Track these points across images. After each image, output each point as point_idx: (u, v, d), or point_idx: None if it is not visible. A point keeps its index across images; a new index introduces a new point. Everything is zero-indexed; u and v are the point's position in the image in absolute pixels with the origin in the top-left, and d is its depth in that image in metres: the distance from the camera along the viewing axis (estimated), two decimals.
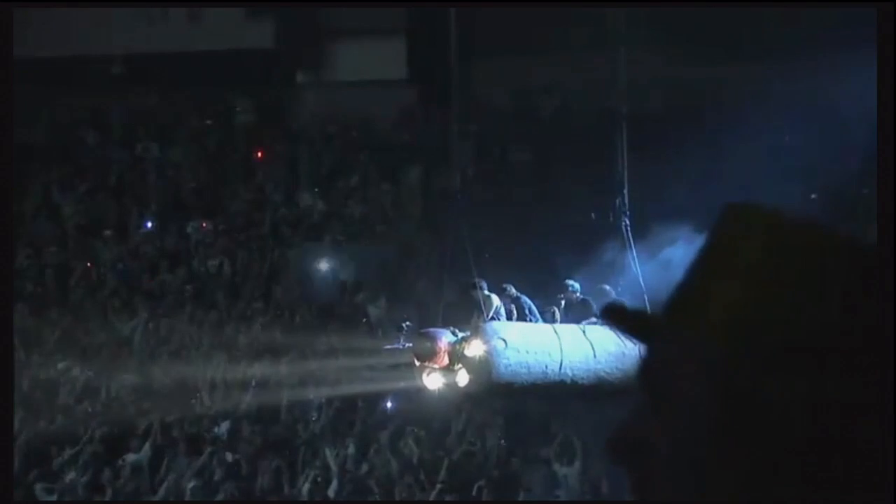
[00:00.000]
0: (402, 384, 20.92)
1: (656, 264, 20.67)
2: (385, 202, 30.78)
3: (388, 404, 23.47)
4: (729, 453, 2.00)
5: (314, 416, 23.74)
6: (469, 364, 18.95)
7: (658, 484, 2.04)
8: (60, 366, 25.71)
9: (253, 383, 24.54)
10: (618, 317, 2.10)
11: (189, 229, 30.49)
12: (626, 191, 20.84)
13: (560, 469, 21.97)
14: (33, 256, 29.80)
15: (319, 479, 22.19)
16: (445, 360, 19.37)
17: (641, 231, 21.39)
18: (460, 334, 19.41)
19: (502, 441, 23.03)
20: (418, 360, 20.21)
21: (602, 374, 18.91)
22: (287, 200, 31.20)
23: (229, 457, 22.90)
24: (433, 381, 19.77)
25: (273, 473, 22.43)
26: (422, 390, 20.10)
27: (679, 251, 22.17)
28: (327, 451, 22.91)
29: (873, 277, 2.08)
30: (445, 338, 19.67)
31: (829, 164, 28.55)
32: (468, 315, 20.19)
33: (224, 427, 23.90)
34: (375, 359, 22.63)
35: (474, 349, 18.87)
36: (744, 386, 2.00)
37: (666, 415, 2.04)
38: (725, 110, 27.82)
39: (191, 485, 22.24)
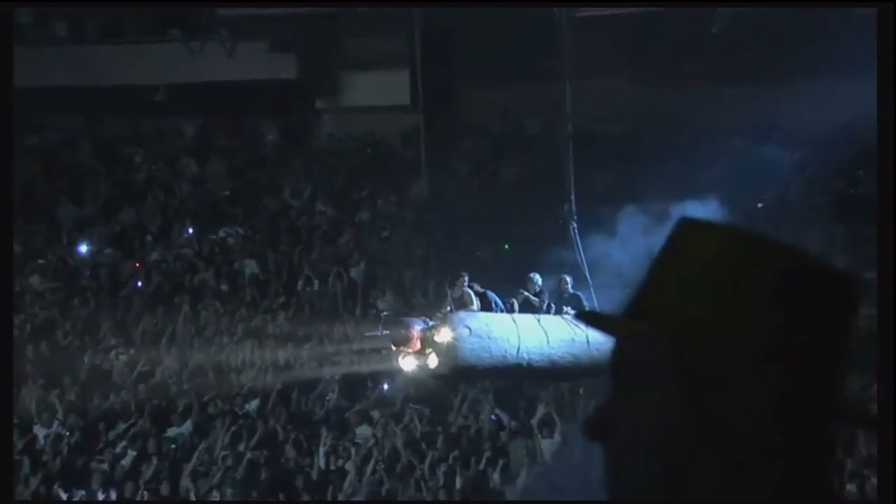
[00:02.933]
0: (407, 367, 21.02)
1: (601, 259, 20.90)
2: (391, 211, 30.81)
3: (386, 385, 23.48)
4: (683, 438, 2.03)
5: (329, 396, 23.75)
6: (438, 349, 19.20)
7: (623, 459, 2.07)
8: (114, 352, 25.74)
9: (279, 366, 24.56)
10: (590, 319, 2.12)
11: (222, 234, 30.54)
12: (572, 198, 20.84)
13: (542, 441, 21.96)
14: (88, 259, 29.85)
15: (338, 450, 22.19)
16: (418, 345, 19.60)
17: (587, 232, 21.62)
18: (431, 323, 19.61)
19: (493, 416, 23.03)
20: (394, 345, 20.48)
21: (555, 357, 19.16)
22: (307, 209, 31.20)
23: (258, 430, 22.91)
24: (407, 363, 20.04)
25: (295, 445, 22.43)
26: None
27: (618, 248, 22.41)
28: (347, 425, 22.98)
29: (815, 285, 2.07)
30: (418, 326, 19.91)
31: (776, 177, 28.61)
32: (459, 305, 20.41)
33: (254, 404, 23.90)
34: (383, 343, 22.72)
35: (443, 336, 19.10)
36: (695, 382, 2.02)
37: (629, 402, 2.06)
38: (674, 132, 27.81)
39: (224, 454, 22.25)
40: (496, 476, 21.18)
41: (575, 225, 20.41)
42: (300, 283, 27.86)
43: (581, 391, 22.48)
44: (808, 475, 2.07)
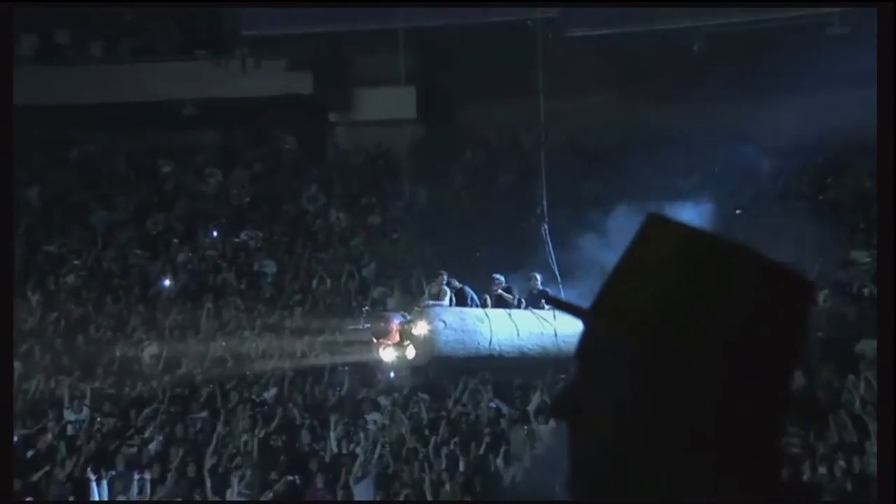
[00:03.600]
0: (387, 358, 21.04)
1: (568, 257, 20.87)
2: (398, 215, 30.76)
3: (392, 374, 23.42)
4: (640, 424, 2.02)
5: (339, 385, 23.67)
6: (416, 341, 19.38)
7: (585, 437, 2.07)
8: (143, 344, 25.69)
9: (295, 357, 24.48)
10: (559, 305, 2.16)
11: (244, 237, 30.52)
12: (544, 202, 20.80)
13: (538, 426, 21.85)
14: (120, 259, 29.83)
15: (348, 433, 22.10)
16: (397, 338, 19.69)
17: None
18: (409, 316, 19.61)
19: (492, 404, 22.94)
20: (375, 337, 20.64)
21: (524, 348, 19.38)
22: (321, 213, 31.19)
23: (276, 416, 22.82)
24: (387, 354, 20.17)
25: (310, 430, 22.35)
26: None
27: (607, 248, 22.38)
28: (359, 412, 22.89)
29: (767, 282, 2.04)
30: (397, 319, 20.08)
31: (752, 184, 28.53)
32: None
33: (272, 392, 23.85)
34: (364, 336, 22.75)
35: (420, 329, 19.26)
36: (651, 372, 2.01)
37: (592, 387, 2.06)
38: (659, 142, 27.69)
39: (244, 438, 22.17)
40: (498, 460, 21.05)
41: (546, 227, 20.26)
42: (315, 282, 27.82)
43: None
44: (758, 462, 2.05)
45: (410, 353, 19.38)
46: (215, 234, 30.86)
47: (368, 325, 21.88)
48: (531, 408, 22.25)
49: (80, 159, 33.58)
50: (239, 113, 32.48)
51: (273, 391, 23.80)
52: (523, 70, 26.33)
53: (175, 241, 30.51)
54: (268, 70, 31.74)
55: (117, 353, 25.31)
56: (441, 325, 18.88)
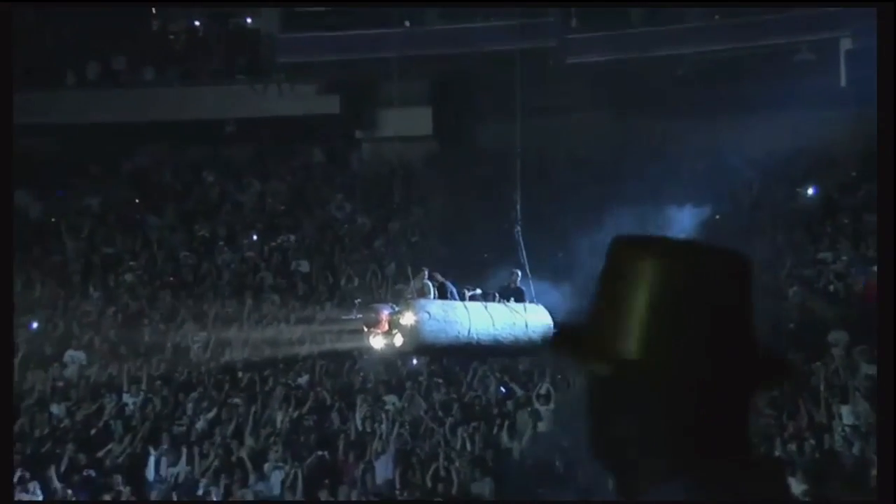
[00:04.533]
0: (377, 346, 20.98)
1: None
2: (416, 220, 30.71)
3: (415, 361, 23.38)
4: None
5: (361, 372, 23.59)
6: (403, 330, 19.21)
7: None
8: (191, 335, 25.66)
9: (325, 347, 24.41)
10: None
11: (280, 240, 30.51)
12: (518, 207, 20.74)
13: (541, 407, 21.78)
14: (171, 260, 29.84)
15: (372, 414, 22.03)
16: (386, 327, 19.60)
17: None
18: (396, 308, 19.66)
19: (502, 388, 22.89)
20: (366, 326, 20.37)
21: (499, 337, 19.35)
22: (348, 219, 31.16)
23: (308, 399, 22.76)
24: (377, 342, 20.01)
25: (339, 412, 22.27)
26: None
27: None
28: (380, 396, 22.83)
29: (748, 286, 2.02)
30: (386, 310, 19.90)
31: (729, 193, 28.43)
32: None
33: (304, 378, 23.79)
34: (357, 325, 22.76)
35: (406, 319, 19.13)
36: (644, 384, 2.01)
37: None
38: (646, 157, 27.59)
39: (279, 418, 22.12)
40: (504, 436, 20.99)
41: (519, 229, 20.25)
42: (343, 280, 27.76)
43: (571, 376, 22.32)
44: (738, 439, 2.04)
45: (398, 340, 19.44)
46: (254, 237, 30.84)
47: (360, 316, 21.96)
48: (535, 393, 22.22)
49: (134, 171, 33.60)
50: (274, 130, 32.57)
51: (305, 377, 23.72)
52: (521, 93, 26.34)
53: (221, 243, 30.48)
54: (300, 93, 31.75)
55: (168, 343, 25.25)
56: (426, 315, 18.94)
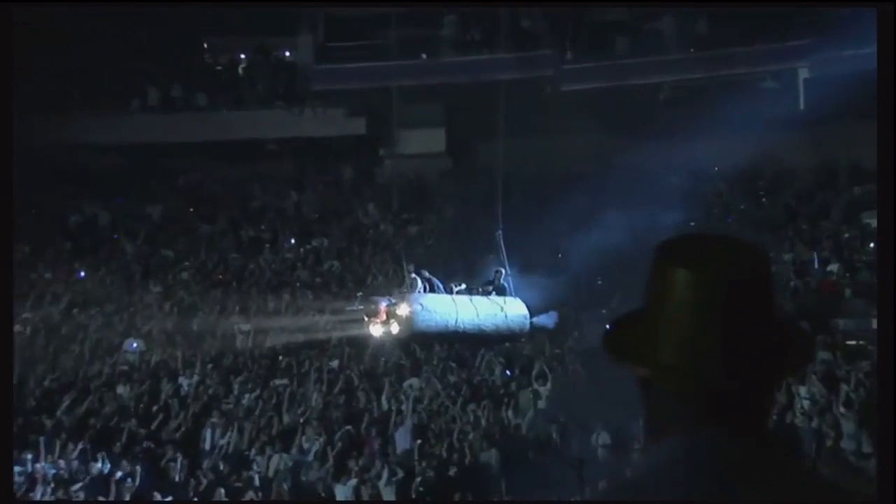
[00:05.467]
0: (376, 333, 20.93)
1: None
2: (431, 227, 30.74)
3: (437, 347, 23.35)
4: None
5: (386, 356, 23.61)
6: (399, 319, 19.51)
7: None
8: (238, 326, 25.71)
9: (353, 335, 24.43)
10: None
11: (315, 243, 30.57)
12: (499, 216, 20.74)
13: (539, 387, 21.78)
14: (221, 261, 29.91)
15: (394, 394, 22.03)
16: (384, 317, 19.73)
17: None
18: (393, 301, 19.70)
19: (507, 371, 22.88)
20: (367, 317, 20.63)
21: (482, 326, 19.62)
22: (373, 225, 31.20)
23: (338, 381, 22.78)
24: (376, 330, 20.17)
25: (365, 393, 22.27)
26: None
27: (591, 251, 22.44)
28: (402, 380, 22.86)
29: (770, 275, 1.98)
30: (384, 303, 20.17)
31: (702, 203, 28.43)
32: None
33: (335, 363, 23.79)
34: (359, 316, 22.78)
35: (402, 310, 19.37)
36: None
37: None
38: (631, 172, 27.54)
39: (314, 397, 22.12)
40: (510, 413, 20.99)
41: (500, 233, 20.25)
42: (369, 279, 27.79)
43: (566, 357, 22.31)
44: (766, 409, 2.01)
45: (395, 329, 19.56)
46: (293, 241, 30.91)
47: (361, 307, 22.00)
48: (533, 374, 22.24)
49: (189, 184, 33.71)
50: (309, 149, 32.61)
51: (336, 362, 23.74)
52: (521, 115, 26.43)
53: (267, 245, 30.57)
54: (331, 116, 31.80)
55: (218, 332, 25.31)
56: (419, 307, 19.07)
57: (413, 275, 20.33)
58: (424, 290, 19.78)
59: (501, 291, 19.87)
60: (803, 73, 29.70)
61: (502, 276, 20.30)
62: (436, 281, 20.12)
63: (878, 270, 20.65)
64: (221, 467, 20.04)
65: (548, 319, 22.12)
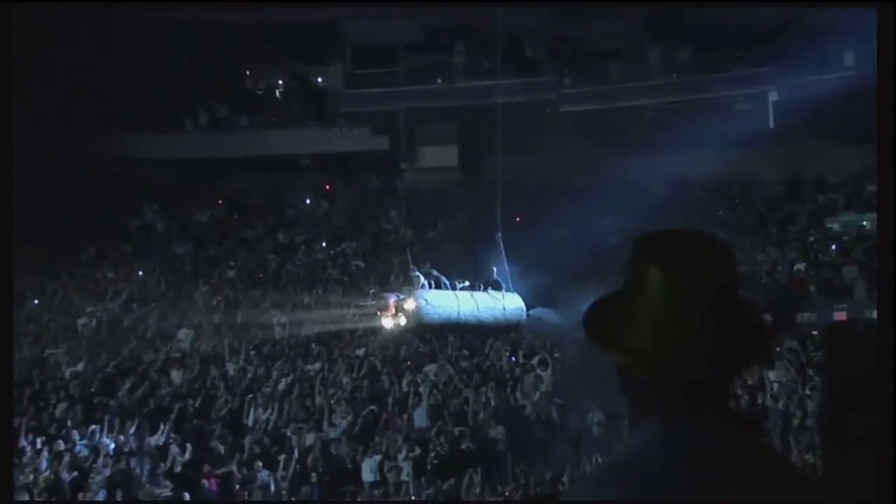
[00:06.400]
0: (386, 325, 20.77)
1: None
2: (446, 231, 30.70)
3: (451, 337, 23.30)
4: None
5: (404, 347, 23.58)
6: (406, 313, 19.14)
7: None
8: (276, 318, 25.72)
9: (376, 326, 24.39)
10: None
11: (343, 246, 30.55)
12: (499, 219, 20.55)
13: (541, 372, 21.76)
14: (260, 261, 29.94)
15: (413, 378, 21.99)
16: (393, 311, 19.58)
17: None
18: (401, 296, 19.60)
19: (513, 358, 22.85)
20: (378, 311, 20.58)
21: (482, 318, 19.19)
22: (395, 230, 31.17)
23: (364, 366, 22.76)
24: (387, 322, 20.02)
25: (387, 377, 22.24)
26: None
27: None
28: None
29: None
30: (393, 298, 20.00)
31: (683, 211, 28.32)
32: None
33: (361, 351, 23.76)
34: (370, 310, 22.67)
35: (409, 305, 19.05)
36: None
37: None
38: (619, 183, 27.39)
39: (345, 380, 22.12)
40: (517, 395, 20.96)
41: (500, 234, 20.07)
42: (391, 277, 27.76)
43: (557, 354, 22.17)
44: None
45: (402, 321, 19.40)
46: (324, 244, 30.87)
47: (373, 302, 21.91)
48: (536, 361, 22.20)
49: (232, 194, 33.73)
50: (339, 163, 32.58)
51: (362, 349, 23.72)
52: (524, 133, 26.41)
53: (303, 247, 30.55)
54: (358, 134, 31.77)
55: (258, 324, 25.30)
56: (424, 302, 18.85)
57: (416, 273, 20.20)
58: (430, 287, 19.63)
59: (496, 286, 19.67)
60: (773, 97, 29.61)
61: (494, 273, 20.11)
62: (443, 279, 20.01)
63: (878, 269, 20.50)
64: (265, 441, 20.08)
65: (544, 314, 22.07)
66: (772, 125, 29.23)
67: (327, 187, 33.81)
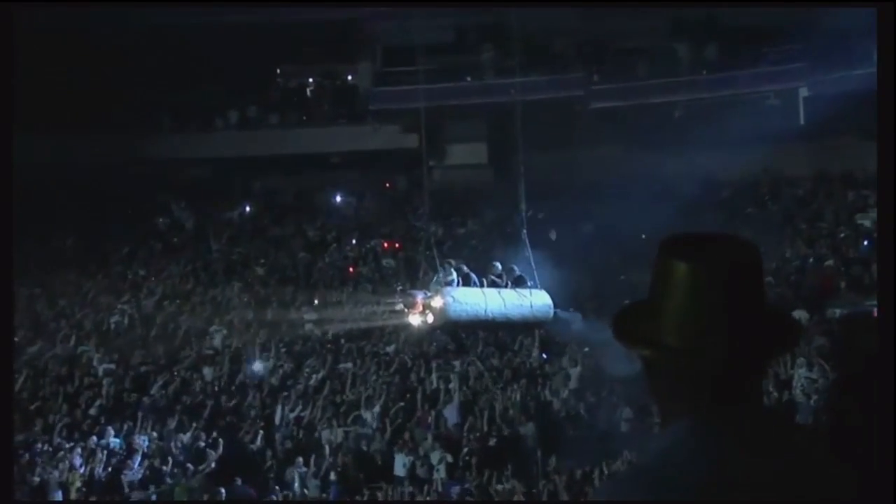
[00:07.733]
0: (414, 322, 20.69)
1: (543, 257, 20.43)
2: (475, 229, 30.72)
3: (481, 334, 23.22)
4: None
5: (434, 343, 23.57)
6: (434, 310, 19.05)
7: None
8: (307, 315, 25.78)
9: (406, 323, 24.39)
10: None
11: (373, 243, 30.61)
12: (524, 215, 20.41)
13: (571, 370, 21.74)
14: (290, 259, 30.04)
15: (443, 375, 21.95)
16: (421, 308, 19.45)
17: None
18: (429, 294, 19.48)
19: (543, 355, 22.81)
20: (406, 308, 20.40)
21: (509, 314, 19.02)
22: (424, 227, 31.09)
23: (394, 363, 22.77)
24: (414, 319, 19.90)
25: (417, 374, 22.24)
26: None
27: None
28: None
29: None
30: (420, 295, 19.80)
31: (708, 209, 28.21)
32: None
33: (391, 347, 23.76)
34: (398, 307, 22.60)
35: (437, 302, 18.93)
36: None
37: None
38: (648, 181, 27.27)
39: (372, 377, 22.10)
40: (546, 392, 20.95)
41: (525, 231, 19.95)
42: (420, 273, 27.75)
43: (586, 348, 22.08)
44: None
45: (430, 319, 19.29)
46: (354, 241, 30.92)
47: (401, 300, 21.92)
48: (566, 358, 22.18)
49: (263, 192, 33.87)
50: (368, 161, 32.64)
51: (392, 346, 23.74)
52: (554, 130, 26.35)
53: (334, 245, 30.64)
54: (387, 132, 31.83)
55: (290, 321, 25.37)
56: (451, 299, 18.72)
57: (446, 268, 20.11)
58: (459, 284, 19.58)
59: (521, 283, 19.56)
60: (803, 93, 29.45)
61: (516, 271, 20.02)
62: (472, 275, 19.96)
63: (878, 270, 20.36)
64: (297, 435, 20.15)
65: (570, 317, 22.03)
66: (802, 122, 29.09)
67: (387, 185, 33.73)
